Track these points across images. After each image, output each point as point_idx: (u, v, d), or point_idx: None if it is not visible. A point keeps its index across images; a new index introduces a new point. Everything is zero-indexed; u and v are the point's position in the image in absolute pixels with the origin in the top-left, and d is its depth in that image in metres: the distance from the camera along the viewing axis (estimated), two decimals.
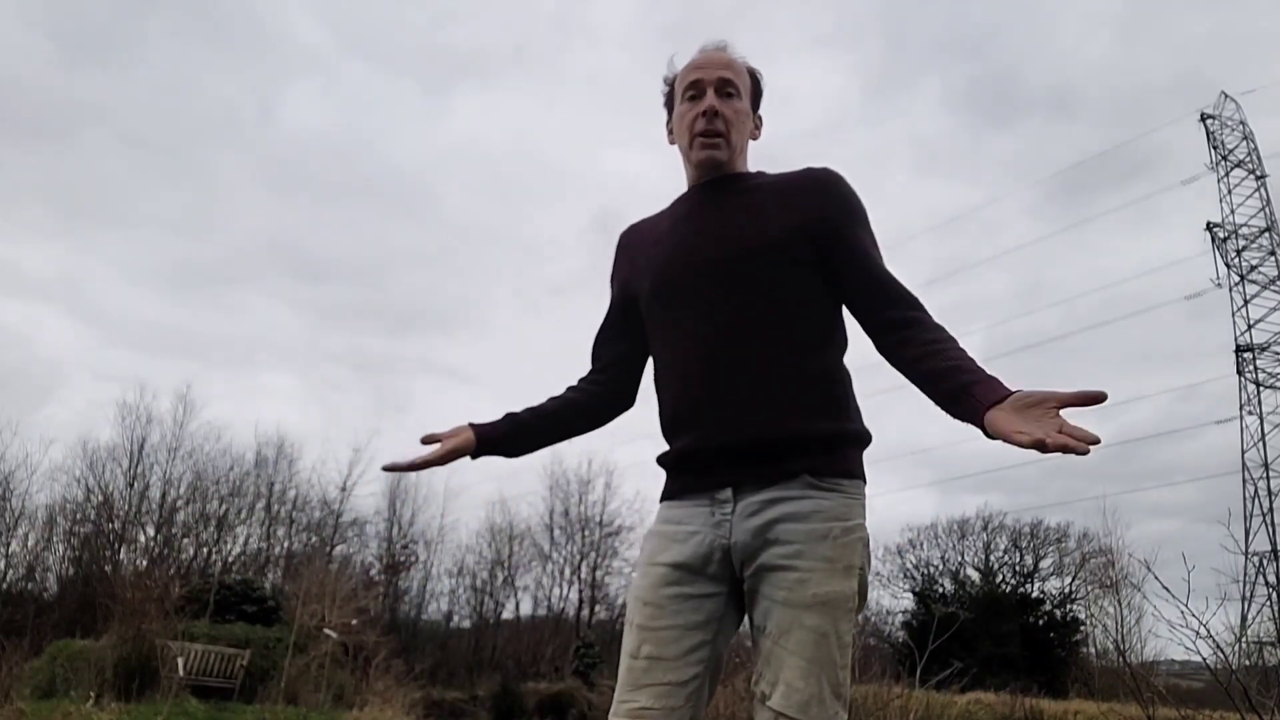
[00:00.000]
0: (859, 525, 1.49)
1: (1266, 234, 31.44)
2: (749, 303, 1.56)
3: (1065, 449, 1.18)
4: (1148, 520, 34.86)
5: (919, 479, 49.39)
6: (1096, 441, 1.17)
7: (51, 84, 36.87)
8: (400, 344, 46.42)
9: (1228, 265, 31.15)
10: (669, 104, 1.78)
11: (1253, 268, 31.12)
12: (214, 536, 25.45)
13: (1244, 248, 31.34)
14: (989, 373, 1.40)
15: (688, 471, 1.59)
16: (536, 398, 1.79)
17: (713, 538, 1.51)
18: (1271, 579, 26.82)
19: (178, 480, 25.20)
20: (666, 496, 1.63)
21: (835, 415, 1.55)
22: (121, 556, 23.09)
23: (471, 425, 1.71)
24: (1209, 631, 4.46)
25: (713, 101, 1.65)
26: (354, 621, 15.27)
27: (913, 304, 1.56)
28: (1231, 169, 32.37)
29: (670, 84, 1.77)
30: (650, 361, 1.75)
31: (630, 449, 30.16)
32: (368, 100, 46.37)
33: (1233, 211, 31.84)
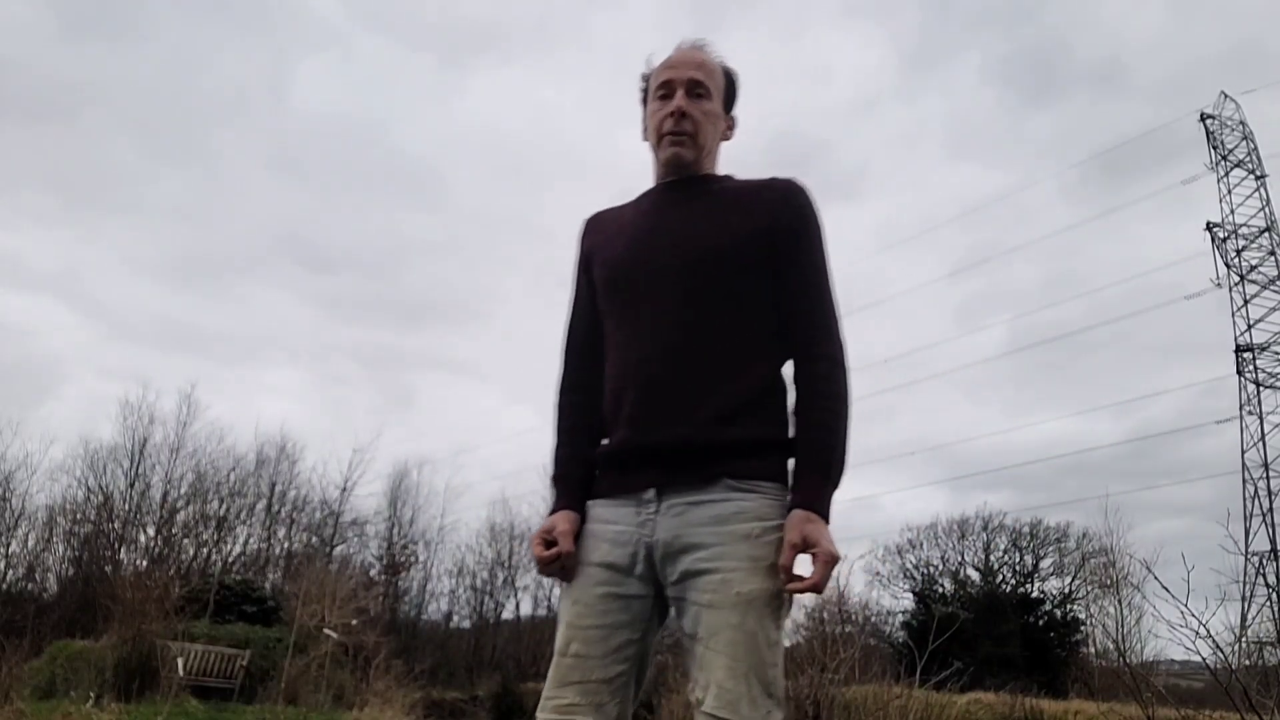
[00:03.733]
0: (780, 525, 1.49)
1: (1266, 234, 31.44)
2: (695, 307, 1.58)
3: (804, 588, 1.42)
4: (1163, 518, 34.28)
5: (931, 476, 49.27)
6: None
7: (52, 61, 35.97)
8: (409, 337, 46.08)
9: (1228, 265, 31.16)
10: (643, 101, 1.80)
11: (1253, 268, 31.11)
12: (214, 537, 25.48)
13: (1244, 248, 31.34)
14: (810, 475, 1.51)
15: (618, 469, 1.61)
16: (570, 432, 1.73)
17: (638, 537, 1.53)
18: (1271, 579, 26.82)
19: (179, 481, 25.25)
20: (598, 494, 1.64)
21: (764, 422, 1.56)
22: (121, 556, 23.12)
23: (570, 511, 1.63)
24: (1209, 631, 4.46)
25: (681, 102, 1.67)
26: (354, 621, 15.26)
27: (820, 345, 1.59)
28: (1231, 169, 32.37)
29: (647, 80, 1.78)
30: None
31: None
32: (382, 76, 45.13)
33: (1232, 211, 31.85)
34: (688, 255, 1.60)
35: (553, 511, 1.64)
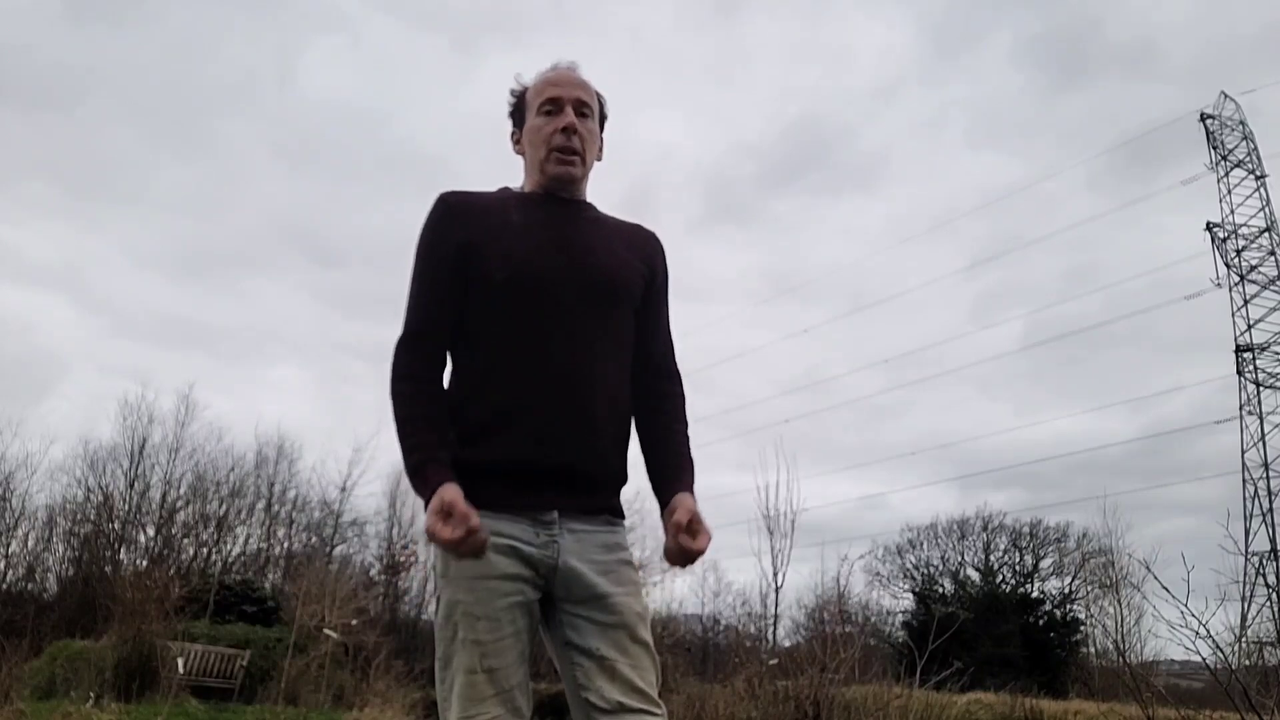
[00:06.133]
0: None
1: (1266, 234, 31.44)
2: (610, 335, 1.67)
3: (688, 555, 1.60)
4: (1176, 516, 33.63)
5: (941, 474, 48.97)
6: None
7: (54, 46, 35.11)
8: None
9: (1228, 265, 31.16)
10: (514, 114, 1.82)
11: (1253, 268, 31.12)
12: (214, 537, 25.48)
13: (1244, 248, 31.34)
14: (688, 475, 1.72)
15: (509, 483, 1.57)
16: (440, 425, 1.61)
17: (541, 556, 1.57)
18: (1271, 579, 26.83)
19: (178, 480, 25.25)
20: (478, 505, 1.50)
21: (626, 459, 1.72)
22: (121, 557, 23.13)
23: (458, 484, 1.51)
24: (1209, 631, 4.46)
25: (572, 119, 1.71)
26: (354, 621, 15.25)
27: (678, 383, 1.83)
28: (1231, 169, 32.37)
29: (519, 96, 1.80)
30: (462, 347, 1.66)
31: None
32: (393, 59, 43.67)
33: (1232, 211, 31.85)
34: (600, 280, 1.66)
35: (437, 485, 1.47)
